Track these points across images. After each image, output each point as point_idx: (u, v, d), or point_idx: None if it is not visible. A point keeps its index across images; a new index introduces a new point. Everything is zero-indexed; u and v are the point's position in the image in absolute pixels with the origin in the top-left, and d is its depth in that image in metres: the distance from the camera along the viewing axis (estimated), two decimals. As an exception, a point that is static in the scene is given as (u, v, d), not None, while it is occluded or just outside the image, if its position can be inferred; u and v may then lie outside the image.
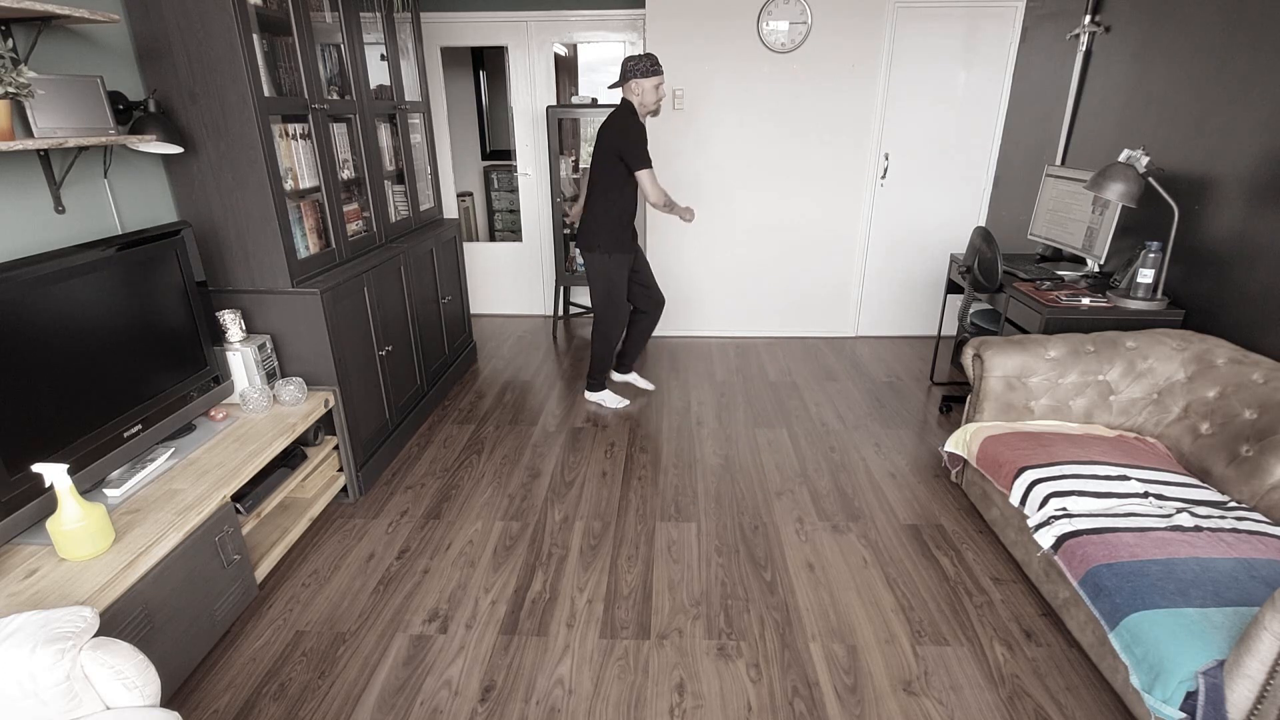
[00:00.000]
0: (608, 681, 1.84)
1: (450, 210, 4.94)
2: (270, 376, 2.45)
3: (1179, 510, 1.89)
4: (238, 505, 2.06)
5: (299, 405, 2.41)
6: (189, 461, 2.07)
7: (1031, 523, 2.01)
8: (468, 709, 1.76)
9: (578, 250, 4.56)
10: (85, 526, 1.60)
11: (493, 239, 6.13)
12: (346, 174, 2.83)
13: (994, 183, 4.22)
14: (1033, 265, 3.24)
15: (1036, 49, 3.76)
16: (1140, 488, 1.98)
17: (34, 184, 1.85)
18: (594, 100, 4.29)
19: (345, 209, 2.82)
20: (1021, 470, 2.14)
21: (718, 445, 3.13)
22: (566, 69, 5.12)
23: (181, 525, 1.77)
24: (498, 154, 5.94)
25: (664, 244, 4.43)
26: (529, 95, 4.58)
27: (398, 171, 3.35)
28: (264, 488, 2.18)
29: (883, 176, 4.24)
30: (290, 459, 2.37)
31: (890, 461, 2.97)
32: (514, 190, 5.90)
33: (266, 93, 2.28)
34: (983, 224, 4.09)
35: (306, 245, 2.59)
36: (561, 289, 4.76)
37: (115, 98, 2.00)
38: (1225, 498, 1.97)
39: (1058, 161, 3.54)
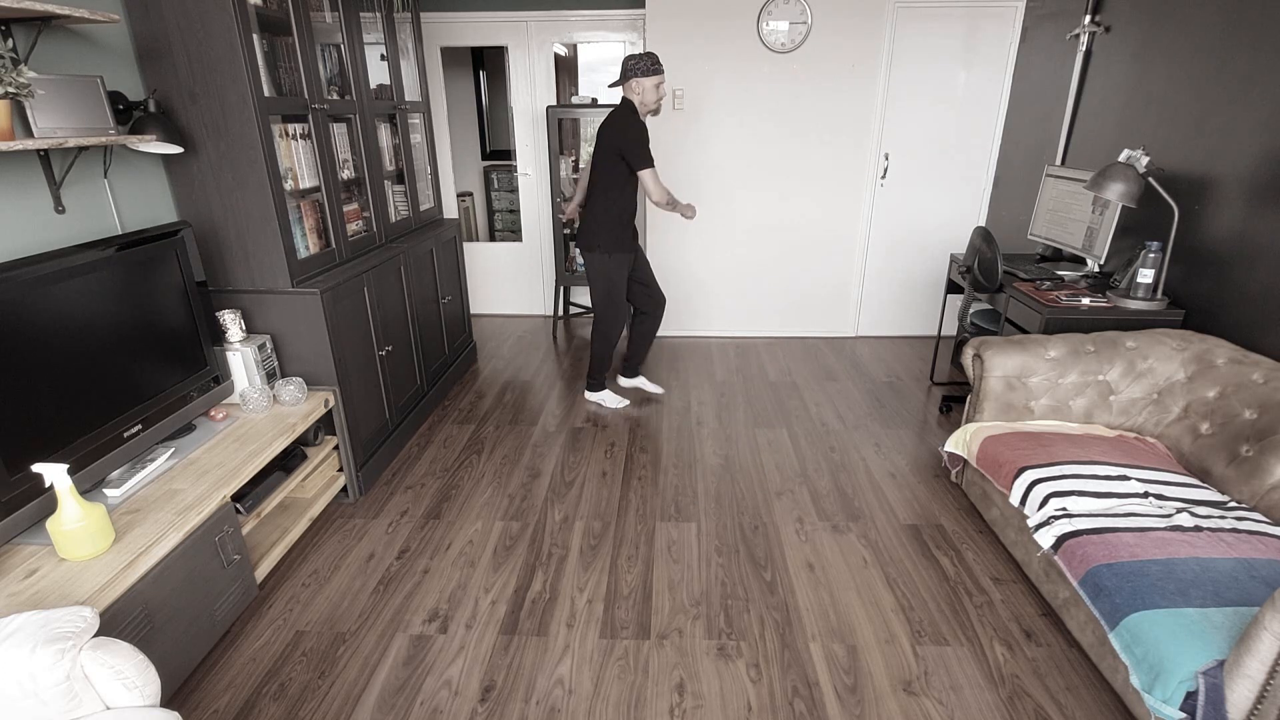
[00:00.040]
0: (608, 681, 1.84)
1: (450, 210, 4.94)
2: (270, 376, 2.45)
3: (1179, 510, 1.89)
4: (238, 505, 2.06)
5: (299, 405, 2.41)
6: (189, 461, 2.07)
7: (1031, 523, 2.01)
8: (468, 709, 1.76)
9: (578, 250, 4.56)
10: (85, 526, 1.60)
11: (493, 239, 6.13)
12: (346, 174, 2.83)
13: (994, 183, 4.22)
14: (1033, 265, 3.24)
15: (1036, 49, 3.77)
16: (1140, 488, 1.98)
17: (34, 184, 1.85)
18: (594, 100, 4.29)
19: (345, 209, 2.82)
20: (1021, 470, 2.14)
21: (718, 445, 3.13)
22: (566, 69, 5.12)
23: (181, 525, 1.77)
24: (498, 154, 5.94)
25: (664, 244, 4.43)
26: (529, 95, 4.58)
27: (398, 171, 3.35)
28: (264, 488, 2.19)
29: (883, 176, 4.24)
30: (290, 459, 2.37)
31: (890, 461, 2.97)
32: (514, 190, 5.90)
33: (266, 93, 2.28)
34: (983, 224, 4.09)
35: (306, 245, 2.59)
36: (561, 289, 4.76)
37: (115, 98, 2.00)
38: (1225, 498, 1.97)
39: (1058, 161, 3.54)
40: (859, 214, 4.32)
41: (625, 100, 3.03)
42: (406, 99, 3.40)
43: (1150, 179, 2.63)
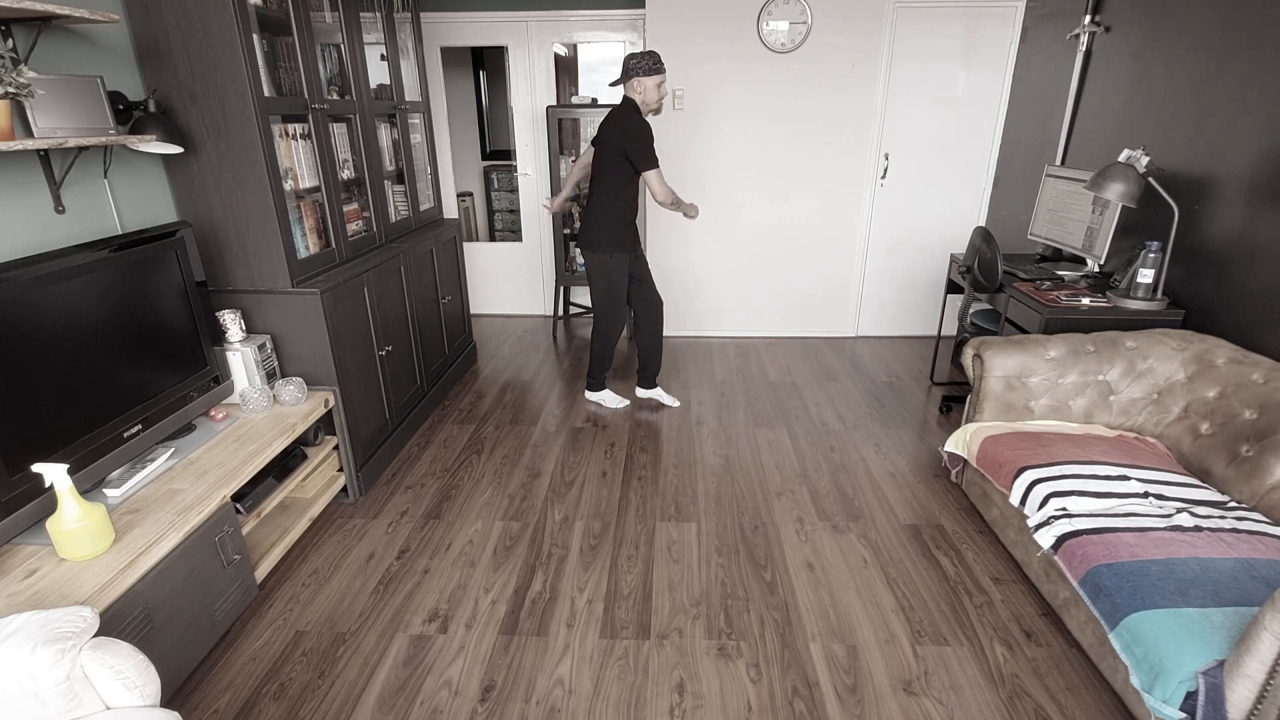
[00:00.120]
0: (608, 681, 1.84)
1: (450, 210, 4.94)
2: (270, 376, 2.45)
3: (1179, 510, 1.89)
4: (238, 505, 2.06)
5: (299, 405, 2.41)
6: (189, 461, 2.07)
7: (1031, 523, 2.01)
8: (468, 709, 1.76)
9: (578, 250, 4.56)
10: (85, 526, 1.60)
11: (493, 239, 6.13)
12: (346, 174, 2.83)
13: (994, 183, 4.22)
14: (1033, 265, 3.24)
15: (1036, 49, 3.77)
16: (1140, 488, 1.98)
17: (34, 184, 1.85)
18: (594, 100, 4.29)
19: (345, 209, 2.82)
20: (1021, 470, 2.14)
21: (718, 445, 3.13)
22: (566, 69, 5.12)
23: (181, 525, 1.77)
24: (498, 154, 5.94)
25: (664, 244, 4.44)
26: (529, 95, 4.58)
27: (398, 171, 3.35)
28: (264, 488, 2.19)
29: (883, 176, 4.24)
30: (290, 459, 2.37)
31: (890, 461, 2.97)
32: (514, 190, 5.91)
33: (266, 93, 2.28)
34: (983, 224, 4.09)
35: (306, 245, 2.59)
36: (561, 289, 4.76)
37: (115, 98, 2.00)
38: (1225, 498, 1.97)
39: (1058, 161, 3.54)
40: (859, 214, 4.32)
41: (627, 99, 3.03)
42: (406, 99, 3.40)
43: (1150, 179, 2.63)
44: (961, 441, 2.51)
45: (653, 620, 2.06)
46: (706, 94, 4.09)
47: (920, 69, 4.00)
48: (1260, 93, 2.34)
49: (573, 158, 4.66)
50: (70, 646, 1.24)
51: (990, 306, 3.30)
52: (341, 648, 1.96)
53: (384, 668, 1.89)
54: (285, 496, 2.34)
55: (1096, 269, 3.08)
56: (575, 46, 5.11)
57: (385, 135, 3.21)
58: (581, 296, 5.17)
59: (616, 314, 3.30)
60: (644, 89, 2.98)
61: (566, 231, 4.53)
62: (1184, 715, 1.42)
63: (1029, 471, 2.12)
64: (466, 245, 5.01)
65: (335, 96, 2.81)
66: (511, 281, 5.10)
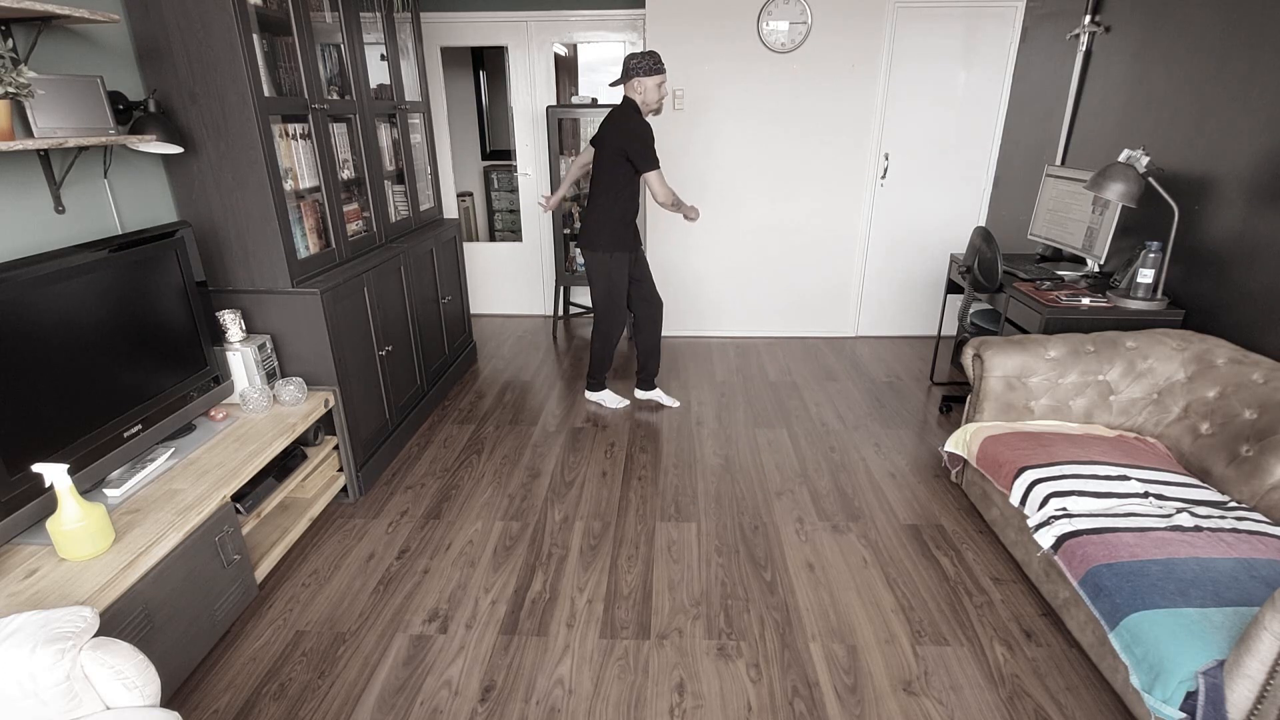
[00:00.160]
0: (608, 681, 1.84)
1: (450, 210, 4.94)
2: (270, 376, 2.45)
3: (1179, 510, 1.89)
4: (238, 505, 2.06)
5: (299, 405, 2.41)
6: (189, 461, 2.07)
7: (1031, 523, 2.01)
8: (468, 709, 1.76)
9: (578, 250, 4.56)
10: (85, 526, 1.60)
11: (493, 239, 6.13)
12: (346, 174, 2.83)
13: (994, 183, 4.22)
14: (1033, 265, 3.24)
15: (1036, 49, 3.77)
16: (1140, 488, 1.98)
17: (34, 184, 1.85)
18: (594, 100, 4.29)
19: (345, 209, 2.82)
20: (1021, 470, 2.14)
21: (718, 445, 3.13)
22: (566, 69, 5.12)
23: (181, 525, 1.77)
24: (498, 154, 5.94)
25: (664, 244, 4.44)
26: (529, 95, 4.58)
27: (398, 171, 3.35)
28: (264, 488, 2.19)
29: (883, 176, 4.24)
30: (290, 459, 2.37)
31: (890, 461, 2.97)
32: (514, 190, 5.91)
33: (266, 93, 2.28)
34: (983, 224, 4.09)
35: (306, 245, 2.59)
36: (561, 289, 4.76)
37: (115, 98, 2.00)
38: (1225, 498, 1.97)
39: (1058, 161, 3.54)
40: (859, 214, 4.32)
41: (627, 99, 3.03)
42: (406, 99, 3.40)
43: (1150, 179, 2.63)
44: (961, 441, 2.51)
45: (653, 620, 2.06)
46: (706, 94, 4.09)
47: (920, 69, 4.00)
48: (1260, 93, 2.34)
49: (572, 157, 4.66)
50: (70, 646, 1.24)
51: (990, 306, 3.30)
52: (341, 648, 1.96)
53: (384, 668, 1.89)
54: (285, 496, 2.34)
55: (1096, 269, 3.08)
56: (575, 46, 5.11)
57: (385, 135, 3.21)
58: (581, 296, 5.17)
59: (617, 314, 3.30)
60: (644, 89, 2.98)
61: (566, 231, 4.53)
62: (1184, 715, 1.42)
63: (1029, 471, 2.12)
64: (466, 245, 5.01)
65: (335, 96, 2.81)
66: (511, 281, 5.10)
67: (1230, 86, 2.47)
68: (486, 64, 5.68)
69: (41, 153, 1.84)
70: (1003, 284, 3.00)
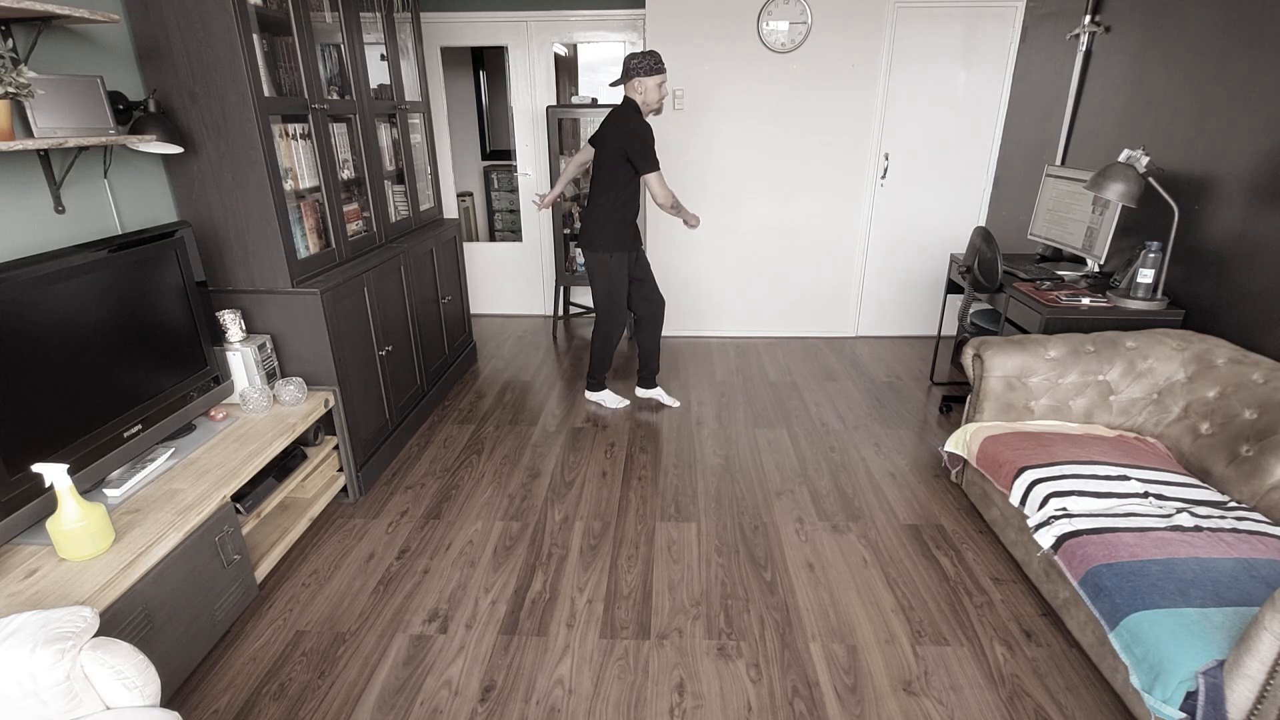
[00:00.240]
0: (608, 681, 1.84)
1: (450, 210, 4.94)
2: (270, 376, 2.45)
3: (1179, 510, 1.89)
4: (238, 505, 2.06)
5: (299, 405, 2.41)
6: (189, 461, 2.07)
7: (1031, 523, 2.01)
8: (468, 709, 1.76)
9: (578, 250, 4.56)
10: (85, 526, 1.60)
11: (493, 239, 6.13)
12: (346, 174, 2.83)
13: (994, 183, 4.22)
14: (1033, 265, 3.24)
15: (1036, 49, 3.77)
16: (1140, 488, 1.98)
17: (34, 184, 1.85)
18: (594, 100, 4.29)
19: (345, 209, 2.82)
20: (1021, 470, 2.14)
21: (718, 445, 3.13)
22: (566, 69, 5.12)
23: (181, 525, 1.77)
24: (498, 154, 5.94)
25: (664, 244, 4.44)
26: (529, 95, 4.58)
27: (398, 171, 3.35)
28: (264, 488, 2.19)
29: (883, 176, 4.24)
30: (290, 459, 2.37)
31: (890, 461, 2.97)
32: (514, 190, 5.90)
33: (266, 93, 2.28)
34: (983, 224, 4.09)
35: (306, 245, 2.59)
36: (561, 289, 4.76)
37: (115, 98, 2.00)
38: (1225, 498, 1.97)
39: (1058, 161, 3.54)
40: (859, 214, 4.32)
41: (627, 100, 3.03)
42: (406, 99, 3.40)
43: (1150, 179, 2.63)
44: (961, 441, 2.51)
45: (653, 620, 2.06)
46: (707, 94, 4.09)
47: (920, 69, 4.00)
48: (1260, 93, 2.34)
49: (571, 156, 4.66)
50: (70, 646, 1.24)
51: (990, 306, 3.30)
52: (341, 648, 1.96)
53: (384, 668, 1.89)
54: (285, 496, 2.34)
55: (1096, 269, 3.08)
56: (575, 46, 5.11)
57: (385, 135, 3.21)
58: (581, 296, 5.17)
59: (617, 314, 3.30)
60: (645, 89, 2.98)
61: (566, 231, 4.53)
62: (1184, 715, 1.42)
63: (1029, 471, 2.12)
64: (466, 245, 5.01)
65: (335, 96, 2.81)
66: (511, 281, 5.10)
67: (1230, 86, 2.47)
68: (486, 64, 5.68)
69: (41, 153, 1.84)
70: (1003, 284, 3.00)
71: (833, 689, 1.81)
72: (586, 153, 3.36)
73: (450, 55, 5.13)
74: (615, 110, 3.05)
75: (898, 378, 3.90)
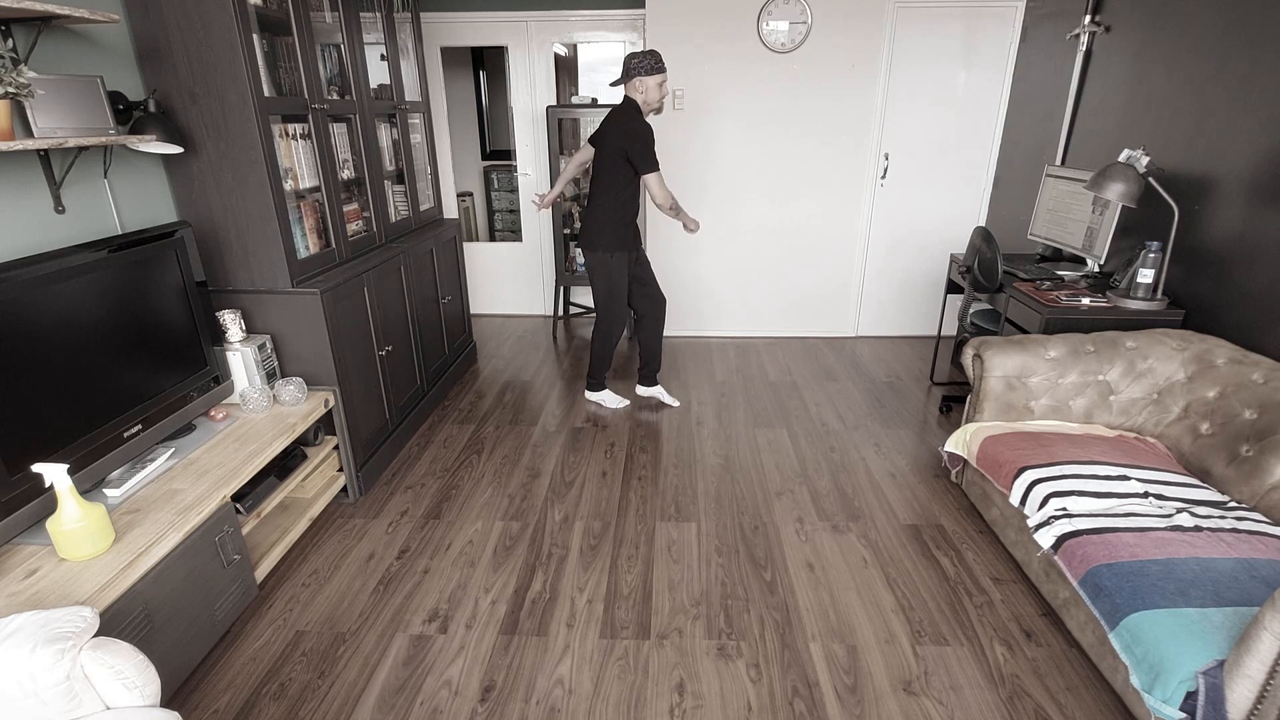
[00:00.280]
0: (608, 681, 1.84)
1: (450, 210, 4.94)
2: (270, 376, 2.45)
3: (1179, 510, 1.89)
4: (238, 505, 2.06)
5: (299, 405, 2.41)
6: (189, 461, 2.07)
7: (1031, 523, 2.01)
8: (468, 709, 1.76)
9: (578, 250, 4.56)
10: (85, 526, 1.60)
11: (493, 239, 6.13)
12: (346, 174, 2.83)
13: (994, 183, 4.22)
14: (1033, 265, 3.24)
15: (1036, 49, 3.77)
16: (1140, 488, 1.98)
17: (34, 184, 1.85)
18: (594, 100, 4.29)
19: (345, 209, 2.82)
20: (1021, 470, 2.14)
21: (718, 445, 3.13)
22: (566, 69, 5.12)
23: (181, 525, 1.77)
24: (498, 154, 5.94)
25: (664, 244, 4.44)
26: (529, 95, 4.58)
27: (398, 171, 3.35)
28: (264, 488, 2.18)
29: (883, 176, 4.24)
30: (290, 459, 2.37)
31: (890, 461, 2.97)
32: (514, 190, 5.91)
33: (266, 93, 2.28)
34: (983, 224, 4.09)
35: (306, 245, 2.59)
36: (561, 289, 4.76)
37: (115, 98, 2.00)
38: (1225, 498, 1.97)
39: (1058, 161, 3.54)
40: (859, 214, 4.32)
41: (627, 99, 3.03)
42: (406, 99, 3.40)
43: (1150, 179, 2.63)
44: (961, 441, 2.51)
45: (653, 620, 2.06)
46: (707, 94, 4.09)
47: (920, 69, 4.00)
48: (1260, 93, 2.34)
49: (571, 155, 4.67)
50: (70, 646, 1.24)
51: (990, 306, 3.30)
52: (341, 648, 1.96)
53: (384, 668, 1.89)
54: (285, 496, 2.34)
55: (1096, 269, 3.08)
56: (575, 46, 5.11)
57: (385, 135, 3.21)
58: (581, 296, 5.17)
59: (617, 314, 3.30)
60: (645, 88, 2.98)
61: (566, 231, 4.54)
62: (1184, 715, 1.42)
63: (1029, 471, 2.11)
64: (466, 245, 5.01)
65: (335, 96, 2.81)
66: (511, 281, 5.10)
67: (1230, 86, 2.47)
68: (486, 64, 5.68)
69: (41, 153, 1.84)
70: (1003, 284, 3.00)
71: (833, 689, 1.81)
72: (586, 152, 3.36)
73: (450, 55, 5.13)
74: (615, 110, 3.05)
75: (898, 378, 3.90)
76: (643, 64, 2.94)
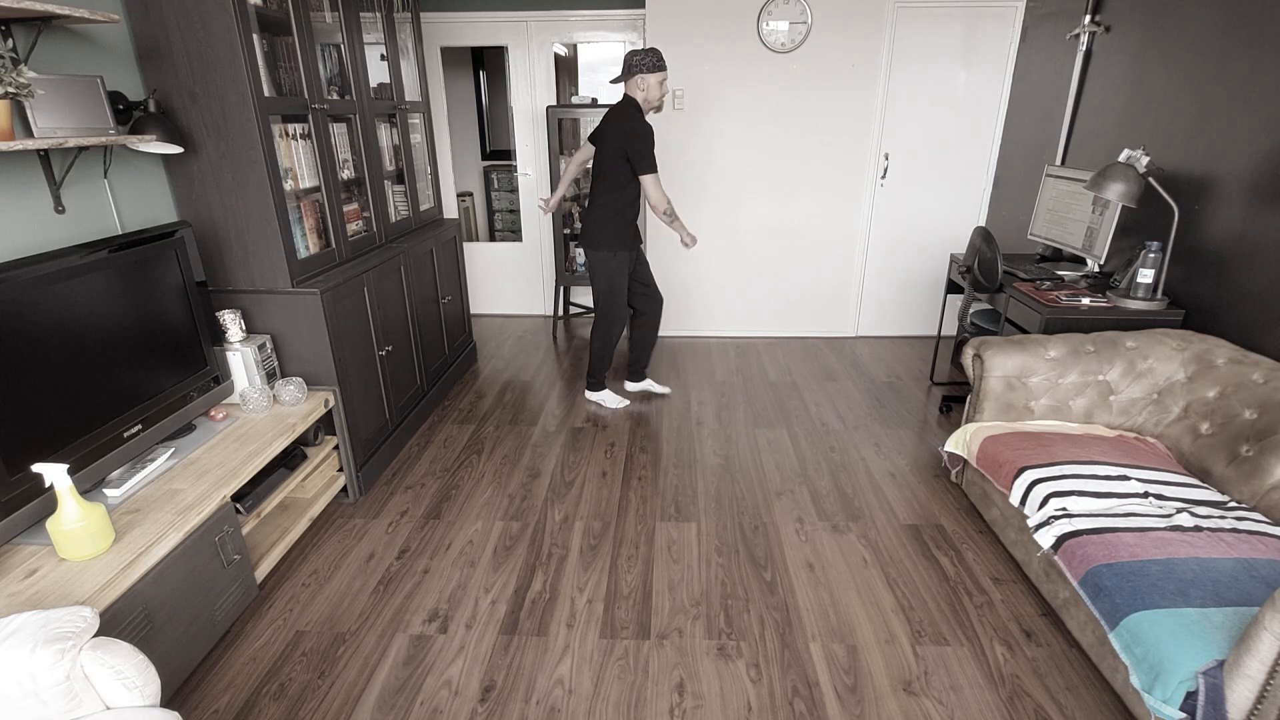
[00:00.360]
0: (608, 681, 1.84)
1: (450, 210, 4.94)
2: (270, 376, 2.45)
3: (1179, 510, 1.89)
4: (238, 505, 2.06)
5: (299, 405, 2.41)
6: (189, 461, 2.07)
7: (1031, 523, 2.01)
8: (468, 709, 1.76)
9: (578, 250, 4.56)
10: (85, 526, 1.60)
11: (493, 239, 6.13)
12: (346, 174, 2.83)
13: (994, 183, 4.22)
14: (1033, 265, 3.24)
15: (1036, 49, 3.76)
16: (1140, 488, 1.98)
17: (34, 184, 1.85)
18: (594, 100, 4.29)
19: (345, 209, 2.82)
20: (1021, 470, 2.14)
21: (718, 445, 3.13)
22: (566, 69, 5.12)
23: (181, 525, 1.77)
24: (498, 154, 5.94)
25: (665, 244, 4.43)
26: (529, 95, 4.58)
27: (398, 171, 3.35)
28: (264, 488, 2.18)
29: (883, 176, 4.24)
30: (290, 459, 2.37)
31: (890, 461, 2.97)
32: (514, 190, 5.91)
33: (266, 93, 2.28)
34: (983, 224, 4.09)
35: (306, 245, 2.59)
36: (561, 289, 4.76)
37: (115, 98, 2.00)
38: (1225, 498, 1.97)
39: (1058, 161, 3.54)
40: (859, 214, 4.32)
41: (628, 98, 3.03)
42: (406, 99, 3.40)
43: (1150, 179, 2.63)
44: (961, 441, 2.51)
45: (653, 620, 2.06)
46: (707, 94, 4.09)
47: (920, 69, 4.00)
48: (1260, 93, 2.34)
49: (572, 155, 4.66)
50: (70, 646, 1.24)
51: (990, 306, 3.30)
52: (341, 648, 1.96)
53: (384, 668, 1.89)
54: (285, 496, 2.34)
55: (1096, 269, 3.08)
56: (575, 46, 5.11)
57: (385, 135, 3.21)
58: (581, 296, 5.17)
59: (618, 313, 3.31)
60: (647, 86, 2.98)
61: (566, 231, 4.54)
62: (1184, 715, 1.42)
63: (1029, 471, 2.11)
64: (466, 245, 5.01)
65: (335, 96, 2.81)
66: (511, 281, 5.10)
67: (1230, 86, 2.47)
68: (486, 64, 5.68)
69: (41, 153, 1.84)
70: (1003, 284, 3.00)
71: (833, 689, 1.81)
72: (586, 150, 3.36)
73: (450, 55, 5.13)
74: (616, 109, 3.05)
75: (898, 378, 3.90)
76: (644, 61, 2.94)
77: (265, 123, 2.23)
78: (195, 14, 2.06)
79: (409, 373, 3.18)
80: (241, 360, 2.36)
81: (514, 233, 6.06)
